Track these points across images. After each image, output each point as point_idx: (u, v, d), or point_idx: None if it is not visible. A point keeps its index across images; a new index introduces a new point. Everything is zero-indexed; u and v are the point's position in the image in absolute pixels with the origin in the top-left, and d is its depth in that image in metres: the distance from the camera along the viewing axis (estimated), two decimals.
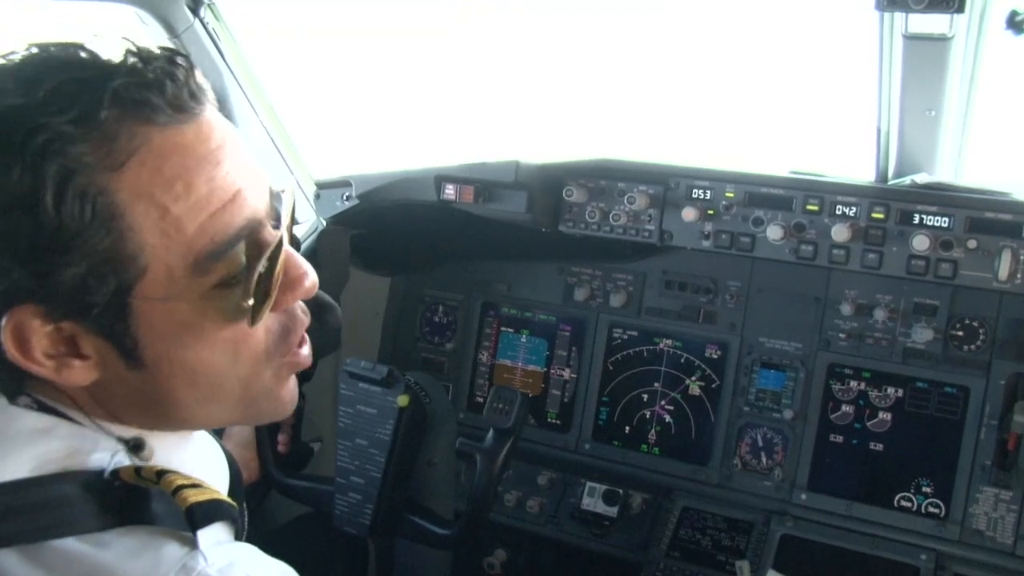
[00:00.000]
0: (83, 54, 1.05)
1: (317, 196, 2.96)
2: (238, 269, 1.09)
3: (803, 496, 2.71)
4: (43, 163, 0.96)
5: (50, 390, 1.13)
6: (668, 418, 2.91)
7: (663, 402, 2.92)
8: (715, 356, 2.86)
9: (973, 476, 2.53)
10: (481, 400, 3.11)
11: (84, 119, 0.98)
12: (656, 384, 2.93)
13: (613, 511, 2.86)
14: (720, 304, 2.87)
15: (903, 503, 2.61)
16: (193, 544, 1.08)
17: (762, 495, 2.76)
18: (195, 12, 2.49)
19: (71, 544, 1.05)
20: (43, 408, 1.13)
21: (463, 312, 3.22)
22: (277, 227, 1.16)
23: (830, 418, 2.71)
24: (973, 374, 2.56)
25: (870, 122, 2.45)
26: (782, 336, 2.78)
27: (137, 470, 1.10)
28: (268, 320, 1.16)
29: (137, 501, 1.08)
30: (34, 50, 1.05)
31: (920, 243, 2.42)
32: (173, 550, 1.07)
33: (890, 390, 2.65)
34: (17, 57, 1.04)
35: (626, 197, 2.73)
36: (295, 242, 1.25)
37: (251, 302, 1.10)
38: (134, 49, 1.05)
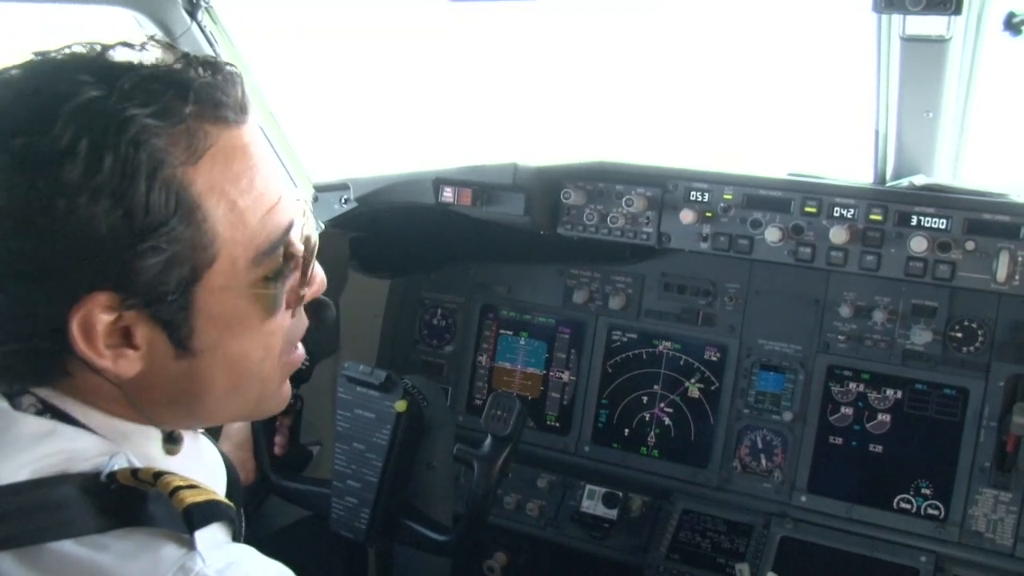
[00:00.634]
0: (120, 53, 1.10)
1: (315, 199, 2.97)
2: (279, 265, 1.17)
3: (803, 498, 2.70)
4: (136, 153, 1.01)
5: (54, 390, 1.13)
6: (668, 420, 2.91)
7: (662, 404, 2.92)
8: (714, 358, 2.86)
9: (972, 478, 2.53)
10: (480, 403, 3.10)
11: (166, 113, 1.04)
12: (655, 386, 2.93)
13: (613, 514, 2.85)
14: (719, 306, 2.86)
15: (903, 505, 2.61)
16: (191, 545, 1.08)
17: (762, 497, 2.75)
18: (192, 15, 2.49)
19: (68, 546, 1.05)
20: (47, 408, 1.13)
21: (462, 315, 3.22)
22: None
23: (829, 420, 2.70)
24: (972, 376, 2.56)
25: (868, 124, 2.45)
26: (781, 338, 2.78)
27: (134, 472, 1.10)
28: (284, 319, 1.22)
29: (134, 503, 1.09)
30: (79, 48, 1.09)
31: (918, 245, 2.42)
32: (171, 551, 1.07)
33: (889, 392, 2.65)
34: (74, 50, 1.08)
35: (624, 199, 2.73)
36: None
37: (286, 296, 1.19)
38: (186, 52, 1.12)
